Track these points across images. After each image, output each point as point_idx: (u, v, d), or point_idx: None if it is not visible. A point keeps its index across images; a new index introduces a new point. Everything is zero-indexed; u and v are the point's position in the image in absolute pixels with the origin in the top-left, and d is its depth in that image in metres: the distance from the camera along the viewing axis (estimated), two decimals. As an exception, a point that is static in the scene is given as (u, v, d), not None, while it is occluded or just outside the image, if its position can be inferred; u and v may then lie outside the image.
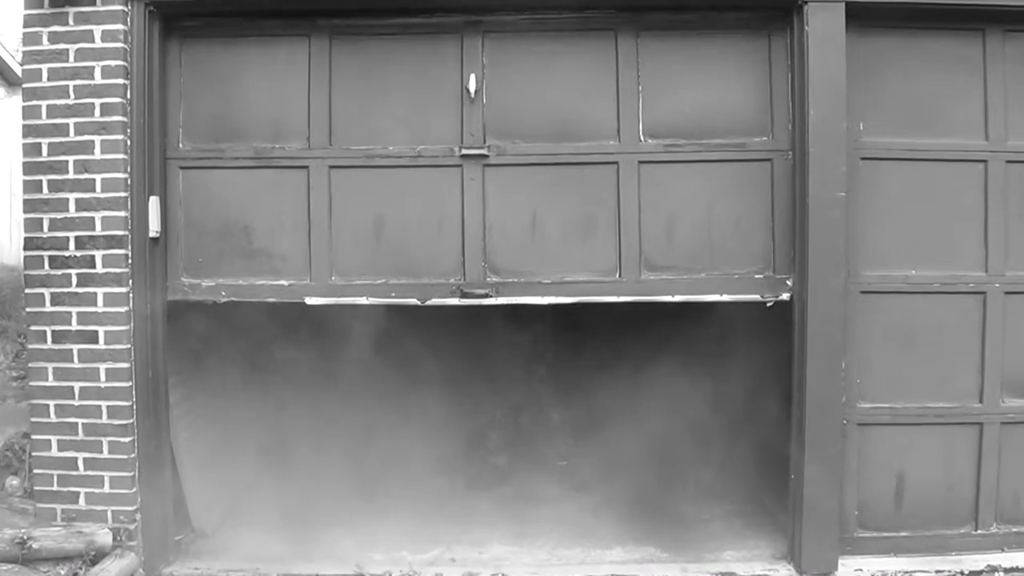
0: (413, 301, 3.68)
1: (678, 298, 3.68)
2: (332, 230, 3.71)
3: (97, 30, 3.55)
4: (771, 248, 3.69)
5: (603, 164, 3.69)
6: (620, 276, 3.68)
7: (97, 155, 3.56)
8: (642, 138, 3.68)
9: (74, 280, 3.58)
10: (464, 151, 3.67)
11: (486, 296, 3.66)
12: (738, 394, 4.66)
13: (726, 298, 3.68)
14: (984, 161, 3.66)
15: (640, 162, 3.67)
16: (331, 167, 3.71)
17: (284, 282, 3.72)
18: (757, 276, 3.69)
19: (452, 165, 3.70)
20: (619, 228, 3.68)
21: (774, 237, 3.68)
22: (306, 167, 3.71)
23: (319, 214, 3.71)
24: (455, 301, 3.67)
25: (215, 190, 3.74)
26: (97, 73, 3.56)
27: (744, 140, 3.68)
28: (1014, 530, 3.72)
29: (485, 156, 3.67)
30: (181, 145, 3.74)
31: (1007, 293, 3.66)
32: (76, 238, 3.58)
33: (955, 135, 3.67)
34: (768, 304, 3.68)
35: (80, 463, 3.59)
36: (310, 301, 3.69)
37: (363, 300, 3.70)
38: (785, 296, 3.66)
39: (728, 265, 3.69)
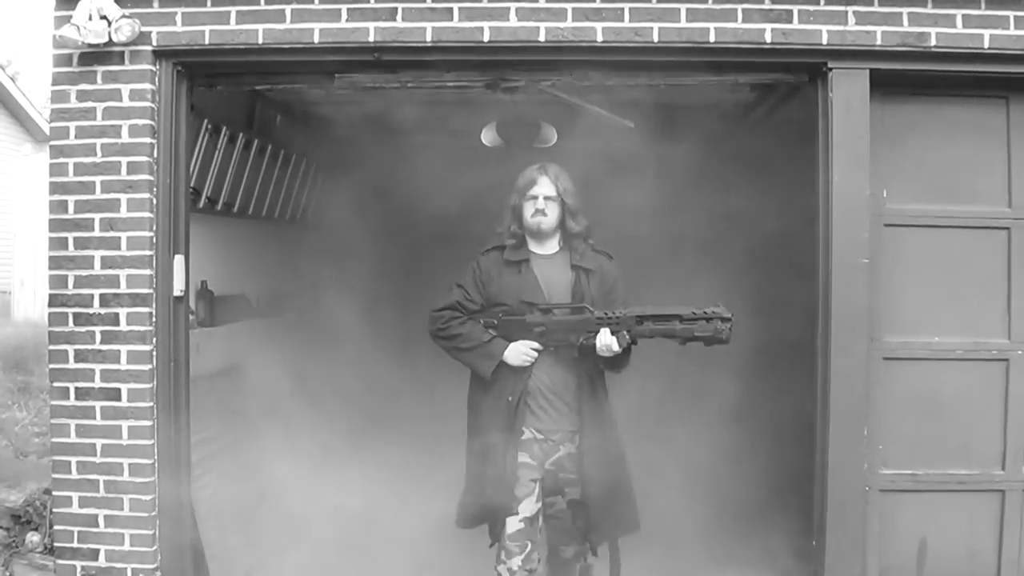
0: None
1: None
2: None
3: (125, 89, 3.56)
4: None
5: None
6: None
7: (123, 213, 3.56)
8: None
9: (98, 337, 3.57)
10: None
11: None
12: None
13: (745, 78, 3.74)
14: (1007, 228, 3.66)
15: None
16: None
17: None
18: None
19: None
20: None
21: None
22: None
23: None
24: None
25: None
26: (124, 132, 3.56)
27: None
28: (1036, 597, 3.72)
29: None
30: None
31: (1030, 361, 3.66)
32: (101, 295, 3.57)
33: (978, 202, 3.67)
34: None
35: (101, 520, 3.58)
36: None
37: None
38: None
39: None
